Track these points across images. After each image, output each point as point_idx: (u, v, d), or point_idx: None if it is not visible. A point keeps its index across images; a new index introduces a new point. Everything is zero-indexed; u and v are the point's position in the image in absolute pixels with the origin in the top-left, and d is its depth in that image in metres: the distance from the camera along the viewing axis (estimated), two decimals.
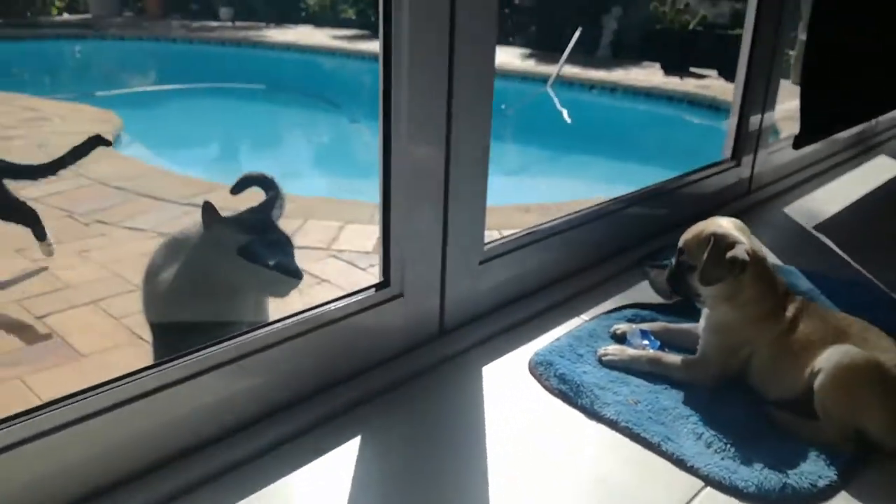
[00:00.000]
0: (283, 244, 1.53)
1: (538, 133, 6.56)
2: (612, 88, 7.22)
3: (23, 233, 2.81)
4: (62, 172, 3.69)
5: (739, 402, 1.25)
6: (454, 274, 1.41)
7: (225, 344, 1.14)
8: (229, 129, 5.76)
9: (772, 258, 1.88)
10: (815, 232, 2.19)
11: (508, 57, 8.34)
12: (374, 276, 1.37)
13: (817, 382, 1.16)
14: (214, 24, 10.01)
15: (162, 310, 1.59)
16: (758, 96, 2.28)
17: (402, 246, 1.31)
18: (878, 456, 1.16)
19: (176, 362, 1.08)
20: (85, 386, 1.01)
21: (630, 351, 1.37)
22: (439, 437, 1.18)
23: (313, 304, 1.27)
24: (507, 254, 1.54)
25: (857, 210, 2.41)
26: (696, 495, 1.07)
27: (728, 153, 2.32)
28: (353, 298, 1.29)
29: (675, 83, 7.04)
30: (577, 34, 7.79)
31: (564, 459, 1.15)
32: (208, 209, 1.47)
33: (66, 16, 9.83)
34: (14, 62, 7.74)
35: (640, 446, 1.17)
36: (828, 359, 1.17)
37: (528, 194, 4.55)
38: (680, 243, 1.31)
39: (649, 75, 7.52)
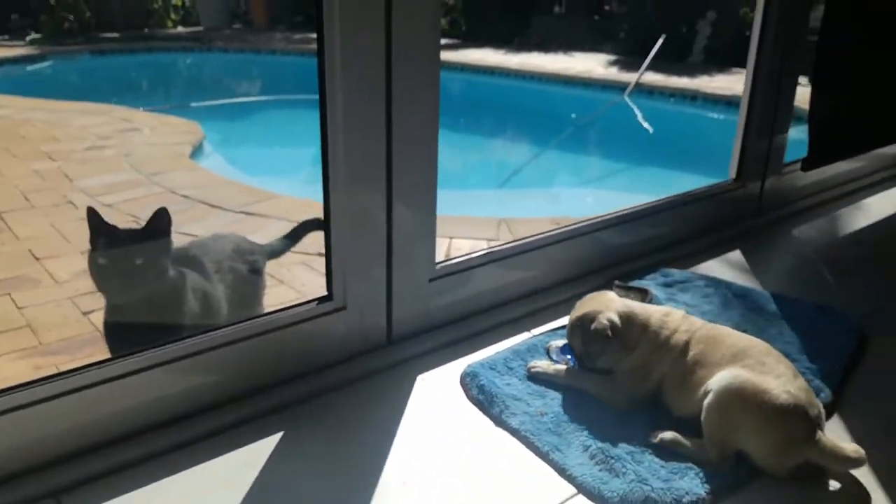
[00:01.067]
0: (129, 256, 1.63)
1: (611, 144, 6.54)
2: (693, 97, 7.08)
3: None
4: (140, 180, 4.07)
5: (638, 420, 1.32)
6: (402, 290, 1.54)
7: (170, 345, 1.31)
8: (304, 140, 6.07)
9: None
10: (814, 256, 2.17)
11: (591, 64, 8.32)
12: None
13: (704, 402, 1.22)
14: (314, 35, 10.43)
15: None
16: (765, 116, 2.27)
17: (344, 261, 1.45)
18: (760, 479, 1.20)
19: (119, 360, 1.27)
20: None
21: (556, 366, 1.46)
22: (355, 439, 1.31)
23: (265, 312, 1.44)
24: (461, 272, 1.65)
25: (865, 235, 2.35)
26: (565, 501, 1.16)
27: (733, 174, 2.33)
28: (298, 309, 1.44)
29: None
30: (659, 41, 7.69)
31: (465, 462, 1.26)
32: (92, 214, 1.62)
33: (179, 29, 10.50)
34: (122, 74, 8.42)
35: (532, 454, 1.27)
36: (717, 381, 1.22)
37: (583, 206, 4.59)
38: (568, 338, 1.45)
39: (733, 83, 7.32)
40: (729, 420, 1.20)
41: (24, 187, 3.88)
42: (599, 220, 1.99)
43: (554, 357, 1.50)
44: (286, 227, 3.33)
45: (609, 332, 1.35)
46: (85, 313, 2.51)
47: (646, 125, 6.98)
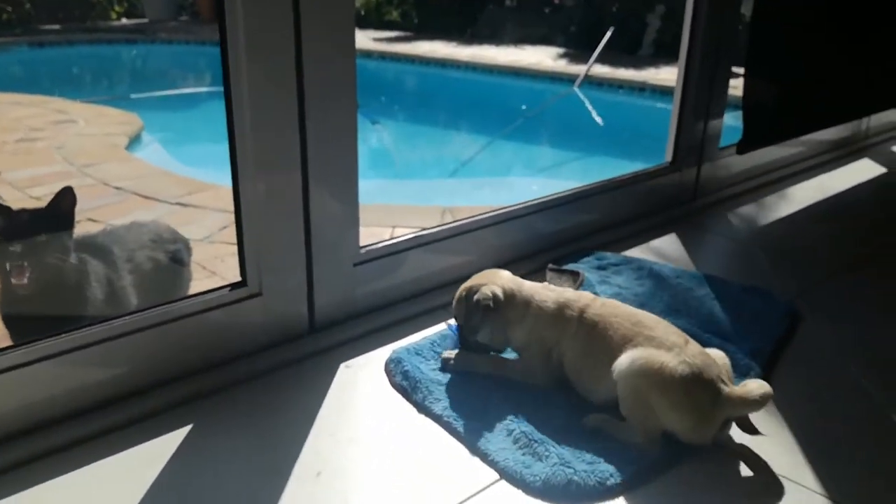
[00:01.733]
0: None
1: (560, 134, 6.55)
2: (641, 88, 7.13)
3: None
4: (72, 171, 3.92)
5: (564, 405, 1.28)
6: (324, 275, 1.48)
7: (71, 334, 1.24)
8: None
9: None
10: (749, 240, 2.17)
11: (540, 56, 8.33)
12: None
13: (617, 390, 1.19)
14: None
15: None
16: (700, 100, 2.26)
17: (257, 246, 1.38)
18: (688, 459, 1.18)
19: (8, 351, 1.18)
20: None
21: (470, 355, 1.41)
22: (271, 430, 1.25)
23: (176, 298, 1.36)
24: (388, 256, 1.60)
25: (801, 218, 2.37)
26: (488, 486, 1.12)
27: (669, 158, 2.32)
28: (209, 296, 1.37)
29: None
30: (608, 34, 7.72)
31: (386, 448, 1.21)
32: None
33: (124, 20, 10.22)
34: (61, 66, 8.15)
35: (455, 439, 1.22)
36: (618, 368, 1.19)
37: (529, 194, 4.58)
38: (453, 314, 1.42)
39: None
40: (640, 403, 1.17)
41: None
42: (533, 203, 1.96)
43: (450, 332, 1.48)
44: (223, 219, 3.25)
45: (490, 304, 1.33)
46: None
47: (595, 116, 7.00)
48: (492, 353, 1.41)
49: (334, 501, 1.09)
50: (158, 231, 1.94)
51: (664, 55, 8.46)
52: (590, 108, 7.04)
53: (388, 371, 1.41)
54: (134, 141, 4.64)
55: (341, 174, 1.46)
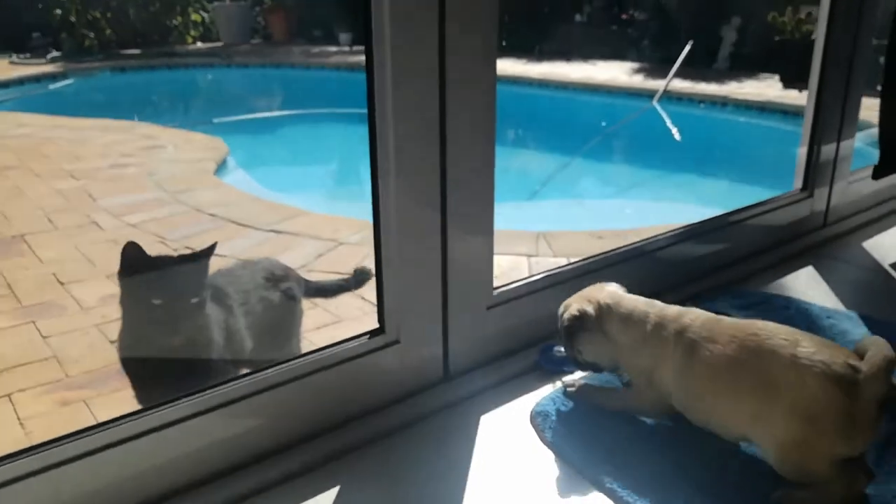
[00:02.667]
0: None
1: (642, 151, 6.38)
2: (723, 103, 6.91)
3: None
4: (165, 198, 3.97)
5: (738, 468, 1.17)
6: (458, 320, 1.40)
7: (213, 390, 1.18)
8: (330, 155, 5.97)
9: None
10: (892, 270, 2.01)
11: (615, 72, 8.18)
12: None
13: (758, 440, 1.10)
14: (333, 49, 10.39)
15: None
16: (832, 120, 2.12)
17: (396, 292, 1.31)
18: None
19: (162, 408, 1.13)
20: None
21: (587, 386, 1.36)
22: (421, 492, 1.17)
23: (311, 350, 1.30)
24: (520, 298, 1.51)
25: None
26: None
27: (799, 184, 2.17)
28: (348, 345, 1.30)
29: (791, 97, 6.65)
30: (687, 47, 7.53)
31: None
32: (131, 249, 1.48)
33: (199, 45, 10.49)
34: (142, 91, 8.39)
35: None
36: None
37: (621, 217, 4.44)
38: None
39: (764, 88, 7.15)
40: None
41: (46, 207, 3.80)
42: (659, 237, 1.84)
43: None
44: (318, 246, 3.23)
45: (576, 323, 1.27)
46: (112, 342, 2.39)
47: (675, 132, 6.81)
48: (606, 372, 1.35)
49: None
50: (271, 269, 1.89)
51: (741, 68, 8.21)
52: (669, 123, 6.86)
53: (534, 425, 1.31)
54: (221, 166, 4.69)
55: (479, 215, 1.38)
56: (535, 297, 1.53)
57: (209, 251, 1.53)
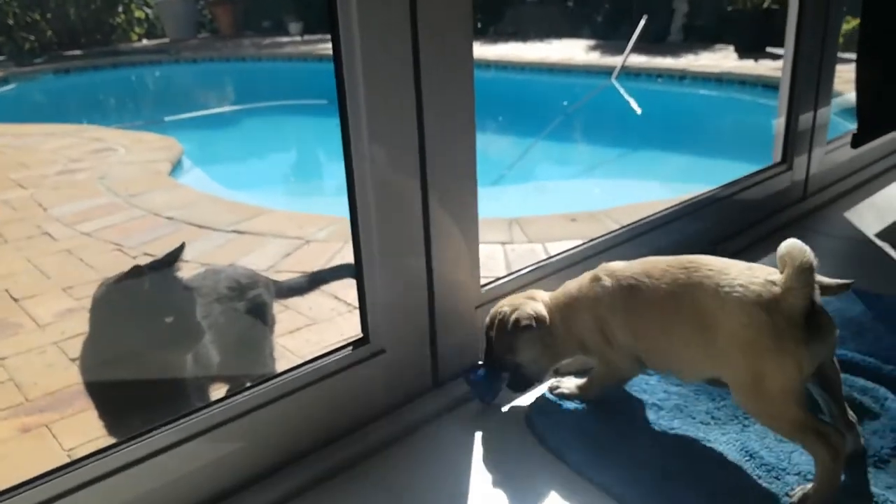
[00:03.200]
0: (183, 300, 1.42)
1: (604, 130, 6.35)
2: (681, 76, 6.91)
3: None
4: (119, 203, 3.81)
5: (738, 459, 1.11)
6: (446, 323, 1.32)
7: (194, 416, 1.09)
8: (288, 149, 5.82)
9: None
10: (877, 240, 1.98)
11: (571, 51, 8.14)
12: None
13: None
14: (285, 39, 10.16)
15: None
16: (808, 89, 2.08)
17: (379, 299, 1.22)
18: None
19: (139, 439, 1.03)
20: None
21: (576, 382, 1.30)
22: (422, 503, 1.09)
23: (291, 366, 1.21)
24: (510, 294, 1.43)
25: None
26: None
27: (778, 156, 2.13)
28: (331, 358, 1.21)
29: (748, 67, 6.68)
30: (641, 22, 7.50)
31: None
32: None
33: (144, 42, 10.17)
34: (88, 93, 8.10)
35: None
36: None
37: (590, 198, 4.39)
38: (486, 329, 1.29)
39: (721, 60, 7.17)
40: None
41: None
42: (642, 222, 1.78)
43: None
44: (284, 245, 3.11)
45: (530, 320, 1.21)
46: (73, 359, 2.26)
47: (636, 108, 6.79)
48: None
49: None
50: (236, 276, 1.78)
51: (695, 40, 8.23)
52: (629, 100, 6.84)
53: (531, 427, 1.24)
54: (176, 166, 4.52)
55: (463, 211, 1.30)
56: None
57: (177, 253, 1.42)
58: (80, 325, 2.46)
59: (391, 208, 1.19)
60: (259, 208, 3.56)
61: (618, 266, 1.20)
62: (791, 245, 1.00)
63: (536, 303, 1.25)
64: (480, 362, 1.32)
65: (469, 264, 1.35)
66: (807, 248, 0.99)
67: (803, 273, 0.97)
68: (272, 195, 4.39)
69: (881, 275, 1.79)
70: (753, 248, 1.93)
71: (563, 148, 5.89)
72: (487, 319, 1.28)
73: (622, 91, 6.90)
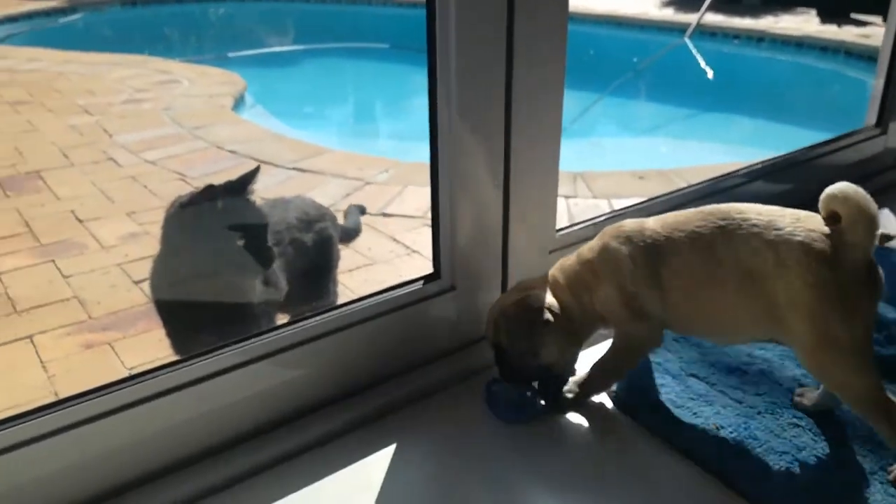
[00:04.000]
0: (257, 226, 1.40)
1: (674, 89, 6.14)
2: (759, 38, 6.61)
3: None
4: (183, 134, 3.83)
5: (844, 439, 1.04)
6: (518, 265, 1.27)
7: (260, 338, 1.07)
8: (346, 91, 5.78)
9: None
10: None
11: (644, 6, 7.84)
12: None
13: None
14: None
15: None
16: None
17: (452, 234, 1.18)
18: None
19: (210, 356, 1.02)
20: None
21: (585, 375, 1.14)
22: (485, 449, 1.06)
23: (360, 296, 1.18)
24: (584, 242, 1.37)
25: None
26: None
27: (872, 119, 2.00)
28: (401, 291, 1.18)
29: (831, 32, 6.35)
30: None
31: (621, 481, 1.00)
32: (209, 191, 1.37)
33: None
34: (155, 25, 8.14)
35: (710, 477, 1.00)
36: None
37: (656, 157, 4.26)
38: (491, 339, 1.13)
39: (802, 23, 6.83)
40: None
41: (61, 143, 3.67)
42: (723, 178, 1.70)
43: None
44: (344, 186, 3.09)
45: (550, 316, 1.07)
46: (136, 282, 2.30)
47: (706, 69, 6.54)
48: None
49: None
50: (304, 208, 1.77)
51: (774, 2, 7.85)
52: (701, 60, 6.59)
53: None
54: (238, 102, 4.53)
55: (544, 152, 1.23)
56: None
57: (251, 176, 1.40)
58: (143, 249, 2.50)
59: (473, 146, 1.13)
60: (319, 147, 3.54)
61: (632, 226, 1.07)
62: (854, 192, 0.91)
63: (538, 291, 1.10)
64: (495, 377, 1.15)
65: (546, 208, 1.29)
66: (869, 196, 0.91)
67: (871, 225, 0.90)
68: (332, 136, 4.37)
69: None
70: None
71: (629, 105, 5.72)
72: (490, 328, 1.12)
73: (694, 51, 6.65)
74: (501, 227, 1.23)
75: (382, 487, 0.99)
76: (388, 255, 2.48)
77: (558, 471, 1.02)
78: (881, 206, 1.53)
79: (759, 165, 1.79)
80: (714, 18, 6.92)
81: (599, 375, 1.12)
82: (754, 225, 0.95)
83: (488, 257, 1.24)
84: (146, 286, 2.26)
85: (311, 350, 1.09)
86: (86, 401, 0.95)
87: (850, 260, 0.90)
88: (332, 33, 7.88)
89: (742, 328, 1.01)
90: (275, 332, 1.07)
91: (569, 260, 1.14)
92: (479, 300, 1.25)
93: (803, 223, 0.94)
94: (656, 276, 1.02)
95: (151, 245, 2.57)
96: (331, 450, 1.06)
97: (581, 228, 1.38)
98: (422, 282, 1.20)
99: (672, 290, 1.02)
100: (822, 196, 0.94)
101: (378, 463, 1.03)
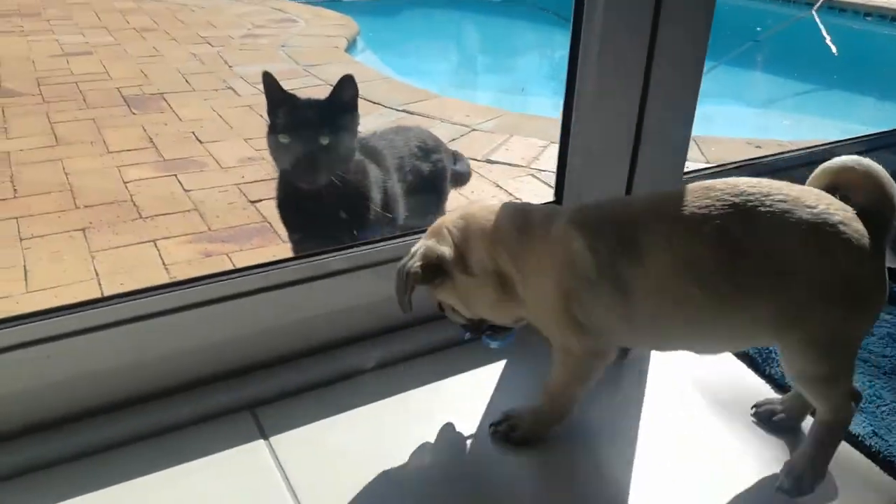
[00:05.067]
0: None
1: (796, 63, 5.85)
2: (894, 17, 6.20)
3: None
4: (298, 70, 3.92)
5: None
6: None
7: (363, 248, 1.10)
8: (457, 41, 5.76)
9: None
10: None
11: None
12: None
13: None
14: None
15: None
16: None
17: (580, 164, 1.18)
18: None
19: (310, 259, 1.07)
20: None
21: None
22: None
23: None
24: None
25: None
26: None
27: None
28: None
29: None
30: None
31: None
32: (268, 78, 1.42)
33: None
34: None
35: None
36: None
37: (772, 129, 4.09)
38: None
39: None
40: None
41: (184, 70, 3.82)
42: (839, 143, 1.62)
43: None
44: (450, 130, 3.11)
45: (418, 268, 0.86)
46: (252, 202, 2.39)
47: (833, 48, 6.19)
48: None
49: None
50: (423, 138, 1.80)
51: None
52: (827, 36, 6.24)
53: None
54: (351, 44, 4.59)
55: (682, 95, 1.21)
56: None
57: (342, 89, 1.43)
58: (258, 172, 2.60)
59: (608, 101, 1.12)
60: (428, 92, 3.57)
61: (592, 210, 0.85)
62: (874, 166, 0.80)
63: (431, 241, 0.90)
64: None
65: (677, 154, 1.27)
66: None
67: (893, 199, 0.79)
68: (440, 84, 4.38)
69: None
70: None
71: (747, 75, 5.48)
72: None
73: (821, 25, 6.29)
74: (628, 170, 1.22)
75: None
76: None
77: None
78: None
79: (878, 135, 1.70)
80: None
81: (548, 408, 0.92)
82: (781, 201, 0.76)
83: (611, 192, 1.23)
84: (262, 206, 2.37)
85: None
86: (196, 285, 1.00)
87: (883, 246, 0.78)
88: None
89: (739, 335, 0.84)
90: (376, 245, 1.10)
91: (513, 219, 0.88)
92: None
93: (828, 199, 0.78)
94: (621, 277, 0.80)
95: (266, 169, 2.68)
96: (444, 356, 1.10)
97: (708, 174, 1.36)
98: None
99: (645, 294, 0.80)
100: (829, 167, 0.83)
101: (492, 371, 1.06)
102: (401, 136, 1.74)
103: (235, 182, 2.50)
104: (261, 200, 2.40)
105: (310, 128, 1.41)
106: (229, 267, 2.04)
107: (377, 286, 1.09)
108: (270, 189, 2.55)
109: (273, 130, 1.44)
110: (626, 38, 1.10)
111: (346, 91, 1.46)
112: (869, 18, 6.35)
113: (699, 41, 1.18)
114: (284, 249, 2.18)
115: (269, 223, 2.26)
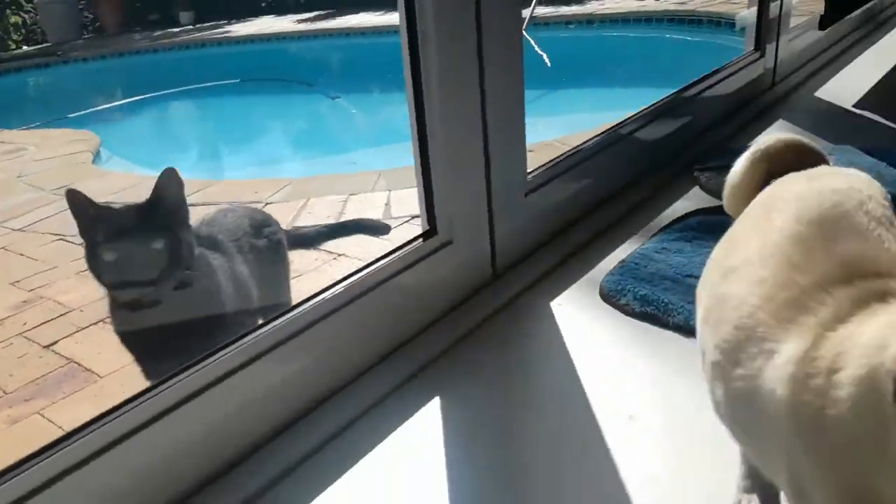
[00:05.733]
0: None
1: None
2: (589, 21, 7.01)
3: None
4: (47, 196, 3.55)
5: None
6: (501, 210, 1.27)
7: (258, 332, 0.98)
8: (208, 127, 5.59)
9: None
10: (856, 110, 2.04)
11: None
12: (390, 241, 1.20)
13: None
14: (176, 30, 9.74)
15: None
16: None
17: (445, 188, 1.16)
18: None
19: (210, 360, 0.93)
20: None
21: None
22: (525, 385, 1.05)
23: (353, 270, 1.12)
24: (552, 181, 1.39)
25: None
26: None
27: (750, 45, 2.16)
28: (399, 253, 1.14)
29: (652, 4, 6.84)
30: None
31: (672, 391, 1.01)
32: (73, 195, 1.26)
33: (25, 48, 9.56)
34: None
35: None
36: None
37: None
38: None
39: (624, 0, 7.32)
40: None
41: None
42: (624, 122, 1.72)
43: None
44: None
45: None
46: (46, 346, 2.09)
47: (545, 57, 6.85)
48: None
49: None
50: (250, 214, 1.69)
51: None
52: (536, 47, 6.89)
53: (611, 301, 1.21)
54: (96, 156, 4.25)
55: (511, 100, 1.25)
56: (564, 179, 1.42)
57: (163, 185, 1.31)
58: (42, 313, 2.29)
59: (454, 113, 1.12)
60: (205, 181, 3.39)
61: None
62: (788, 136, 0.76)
63: None
64: None
65: (519, 154, 1.30)
66: None
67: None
68: (205, 171, 4.21)
69: (870, 137, 1.85)
70: (738, 136, 1.94)
71: None
72: None
73: (531, 41, 6.93)
74: (485, 180, 1.22)
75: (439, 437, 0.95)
76: (314, 263, 2.40)
77: (601, 388, 1.02)
78: (771, 122, 1.65)
79: (651, 108, 1.84)
80: (545, 11, 7.26)
81: None
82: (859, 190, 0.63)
83: (476, 208, 1.23)
84: (60, 347, 2.07)
85: (316, 335, 1.01)
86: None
87: None
88: (174, 78, 7.58)
89: None
90: (270, 326, 0.99)
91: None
92: (474, 250, 1.24)
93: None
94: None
95: (49, 308, 2.36)
96: (374, 415, 1.01)
97: (544, 170, 1.41)
98: (421, 240, 1.16)
99: None
100: (755, 159, 0.76)
101: (427, 416, 0.99)
102: (229, 217, 1.61)
103: (18, 332, 2.18)
104: (56, 342, 2.11)
105: (138, 234, 1.25)
106: (45, 424, 1.76)
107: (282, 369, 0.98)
108: (63, 327, 2.26)
109: (93, 251, 1.24)
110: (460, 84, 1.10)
111: (170, 185, 1.33)
112: (571, 26, 7.11)
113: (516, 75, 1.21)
114: (112, 384, 1.92)
115: (76, 363, 1.99)
